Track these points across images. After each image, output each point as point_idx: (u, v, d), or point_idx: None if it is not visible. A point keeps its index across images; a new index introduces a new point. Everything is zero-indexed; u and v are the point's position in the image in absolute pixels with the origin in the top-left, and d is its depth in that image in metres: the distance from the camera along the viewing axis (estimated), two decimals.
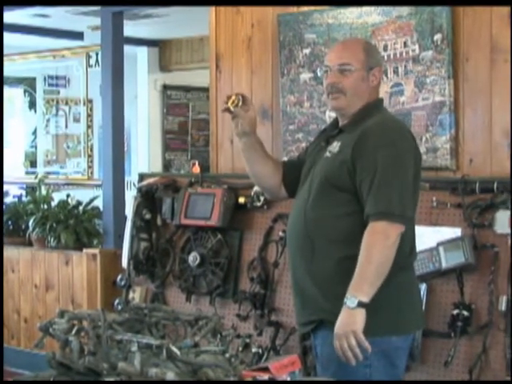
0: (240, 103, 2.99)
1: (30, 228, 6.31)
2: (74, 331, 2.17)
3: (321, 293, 2.88)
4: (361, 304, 2.70)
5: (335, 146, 2.93)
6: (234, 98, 2.99)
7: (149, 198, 4.98)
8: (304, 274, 2.93)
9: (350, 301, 2.71)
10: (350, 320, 2.71)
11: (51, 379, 2.13)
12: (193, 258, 4.73)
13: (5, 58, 7.33)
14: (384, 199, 2.77)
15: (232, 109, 2.99)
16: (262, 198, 4.53)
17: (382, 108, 3.04)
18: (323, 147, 3.00)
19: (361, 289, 2.72)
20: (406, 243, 2.85)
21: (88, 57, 7.45)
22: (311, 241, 2.89)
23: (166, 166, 9.56)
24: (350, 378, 2.78)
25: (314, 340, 3.00)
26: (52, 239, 6.20)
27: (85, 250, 6.00)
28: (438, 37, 4.18)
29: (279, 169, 3.15)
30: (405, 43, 4.30)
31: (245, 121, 3.02)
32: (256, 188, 4.41)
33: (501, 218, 3.77)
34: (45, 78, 8.68)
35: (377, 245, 2.73)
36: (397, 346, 2.88)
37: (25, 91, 9.02)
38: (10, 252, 6.39)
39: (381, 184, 2.78)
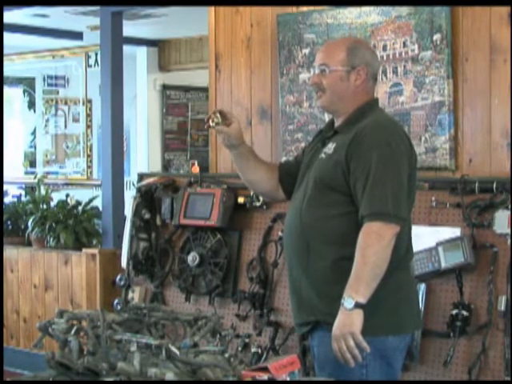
0: (219, 120, 3.02)
1: (29, 228, 6.31)
2: (73, 331, 2.17)
3: (316, 294, 2.88)
4: (358, 305, 2.70)
5: (330, 148, 2.93)
6: (212, 116, 3.02)
7: (148, 197, 4.98)
8: (300, 274, 2.93)
9: (347, 302, 2.71)
10: (348, 321, 2.71)
11: (50, 379, 2.13)
12: (192, 258, 4.73)
13: (4, 58, 7.33)
14: (378, 200, 2.77)
15: (215, 127, 3.02)
16: (261, 198, 4.53)
17: (376, 108, 3.03)
18: (319, 148, 3.01)
19: (357, 290, 2.71)
20: (402, 243, 2.85)
21: (87, 57, 7.46)
22: (306, 242, 2.89)
23: (166, 165, 9.57)
24: (346, 378, 2.78)
25: (311, 341, 3.01)
26: (51, 239, 6.20)
27: (84, 250, 6.00)
28: (437, 37, 4.18)
29: (274, 172, 3.16)
30: (404, 43, 4.30)
31: (230, 135, 3.04)
32: None
33: (500, 218, 3.77)
34: (44, 78, 8.69)
35: (372, 245, 2.73)
36: (393, 346, 2.87)
37: (24, 91, 9.04)
38: (9, 252, 6.39)
39: (375, 184, 2.77)
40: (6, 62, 7.56)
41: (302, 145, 4.58)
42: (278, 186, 3.16)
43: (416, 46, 4.25)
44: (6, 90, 8.68)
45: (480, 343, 3.78)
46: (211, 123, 3.03)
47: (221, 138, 3.08)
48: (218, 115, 3.03)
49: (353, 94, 2.95)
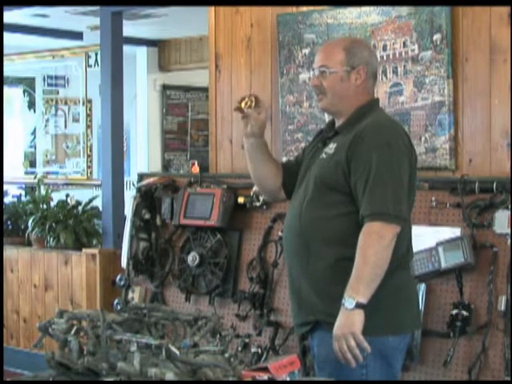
0: (253, 104, 2.98)
1: (29, 228, 6.31)
2: (73, 331, 2.17)
3: (316, 293, 2.88)
4: (359, 305, 2.70)
5: (331, 148, 2.93)
6: (247, 99, 2.98)
7: (148, 197, 4.98)
8: (300, 274, 2.93)
9: (348, 302, 2.71)
10: (349, 321, 2.71)
11: (50, 379, 2.13)
12: (192, 258, 4.73)
13: (4, 58, 7.33)
14: (379, 200, 2.77)
15: (245, 110, 2.98)
16: (261, 198, 4.53)
17: (377, 108, 3.03)
18: (320, 148, 3.01)
19: (358, 290, 2.72)
20: (403, 243, 2.85)
21: (87, 57, 7.46)
22: (306, 242, 2.89)
23: (166, 165, 9.57)
24: (346, 378, 2.78)
25: (311, 341, 3.00)
26: (51, 239, 6.20)
27: (84, 250, 6.00)
28: (437, 37, 4.18)
29: (280, 171, 3.16)
30: (404, 43, 4.30)
31: (256, 123, 3.02)
32: (255, 188, 4.41)
33: (500, 218, 3.77)
34: (44, 78, 8.70)
35: (372, 245, 2.73)
36: (393, 346, 2.88)
37: (24, 91, 9.03)
38: (9, 252, 6.39)
39: (375, 184, 2.77)
40: (6, 62, 7.56)
41: (302, 145, 4.58)
42: (281, 185, 3.15)
43: (416, 46, 4.26)
44: (6, 90, 8.67)
45: (480, 343, 3.78)
46: (243, 105, 2.99)
47: (243, 124, 3.03)
48: (253, 99, 2.99)
49: (354, 94, 2.95)
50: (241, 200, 4.65)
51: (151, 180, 5.09)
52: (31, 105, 8.92)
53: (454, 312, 3.82)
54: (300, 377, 2.19)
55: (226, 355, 2.08)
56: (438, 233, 3.93)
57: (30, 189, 7.02)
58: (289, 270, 3.03)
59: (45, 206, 6.42)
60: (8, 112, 8.87)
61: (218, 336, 2.21)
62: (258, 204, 4.58)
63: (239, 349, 4.46)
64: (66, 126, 8.44)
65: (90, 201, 6.36)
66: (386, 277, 2.75)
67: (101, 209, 6.16)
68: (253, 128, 3.03)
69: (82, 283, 5.95)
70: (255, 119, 3.01)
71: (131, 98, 9.03)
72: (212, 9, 5.15)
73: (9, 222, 6.64)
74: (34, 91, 8.87)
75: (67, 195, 6.50)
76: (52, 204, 6.45)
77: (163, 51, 9.36)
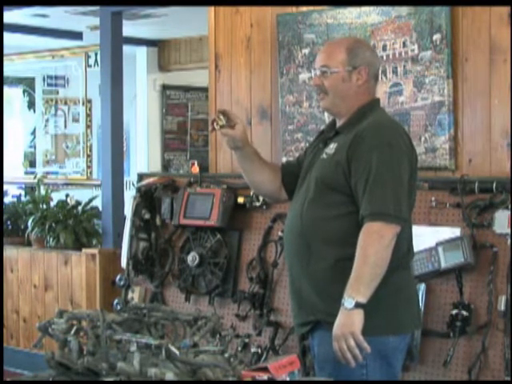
0: (224, 122, 3.00)
1: (29, 228, 6.31)
2: (72, 331, 2.17)
3: (317, 293, 2.88)
4: (358, 305, 2.70)
5: (331, 148, 2.93)
6: (216, 118, 3.00)
7: (148, 197, 4.98)
8: (300, 274, 2.93)
9: (348, 302, 2.71)
10: (348, 321, 2.71)
11: (50, 379, 2.13)
12: (192, 258, 4.73)
13: (4, 58, 7.33)
14: (379, 200, 2.77)
15: (219, 130, 3.01)
16: (261, 198, 4.53)
17: (377, 108, 3.03)
18: (320, 149, 3.01)
19: (357, 290, 2.72)
20: (403, 243, 2.85)
21: (87, 57, 7.46)
22: (307, 242, 2.90)
23: (165, 165, 9.56)
24: (346, 378, 2.78)
25: (311, 340, 3.01)
26: (51, 239, 6.20)
27: (84, 250, 6.00)
28: (437, 37, 4.18)
29: (277, 173, 3.16)
30: (404, 43, 4.30)
31: (235, 137, 3.03)
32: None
33: (500, 218, 3.77)
34: (44, 78, 8.70)
35: (372, 245, 2.73)
36: (393, 345, 2.88)
37: (24, 91, 9.04)
38: (8, 252, 6.39)
39: (375, 184, 2.78)
40: (5, 62, 7.56)
41: (302, 145, 4.58)
42: (281, 186, 3.15)
43: (416, 46, 4.25)
44: (6, 90, 8.67)
45: (480, 343, 3.78)
46: (216, 126, 3.01)
47: (225, 141, 3.07)
48: (222, 117, 3.01)
49: (355, 94, 2.95)
50: (241, 200, 4.65)
51: (151, 180, 5.09)
52: (31, 105, 8.92)
53: (454, 312, 3.82)
54: (300, 377, 2.19)
55: (226, 355, 2.08)
56: (438, 233, 3.93)
57: (30, 189, 7.01)
58: (289, 270, 3.03)
59: (45, 206, 6.42)
60: (8, 112, 8.87)
61: (218, 336, 2.21)
62: (257, 204, 4.59)
63: (239, 349, 4.46)
64: (65, 126, 8.44)
65: (90, 201, 6.36)
66: (387, 276, 2.75)
67: (101, 209, 6.16)
68: (234, 142, 3.04)
69: (81, 283, 5.95)
70: (231, 134, 3.02)
71: (131, 98, 9.02)
72: (212, 9, 5.16)
73: (9, 222, 6.64)
74: (34, 91, 8.87)
75: (67, 195, 6.50)
76: (52, 204, 6.45)
77: (163, 51, 9.36)
